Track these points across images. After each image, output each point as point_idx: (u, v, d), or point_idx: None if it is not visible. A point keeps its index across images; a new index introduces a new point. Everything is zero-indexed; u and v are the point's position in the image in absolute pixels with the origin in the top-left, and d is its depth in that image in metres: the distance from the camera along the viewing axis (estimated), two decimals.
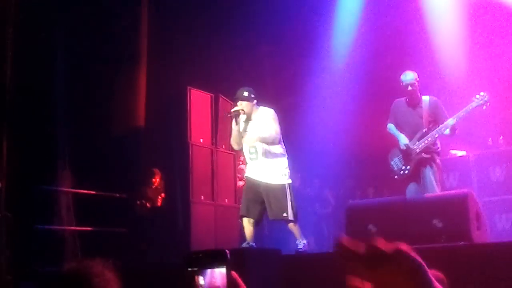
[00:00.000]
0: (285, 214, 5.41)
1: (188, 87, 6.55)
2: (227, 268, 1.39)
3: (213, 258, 1.40)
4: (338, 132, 8.28)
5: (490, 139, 7.70)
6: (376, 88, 8.34)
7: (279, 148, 5.57)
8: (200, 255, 1.40)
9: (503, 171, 7.12)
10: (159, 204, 7.33)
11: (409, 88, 5.72)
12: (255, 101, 5.62)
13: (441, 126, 5.61)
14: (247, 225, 5.51)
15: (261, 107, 5.67)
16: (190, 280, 1.35)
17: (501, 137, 7.64)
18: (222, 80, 7.22)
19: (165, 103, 6.60)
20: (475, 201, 5.02)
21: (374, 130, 7.80)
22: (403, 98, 5.88)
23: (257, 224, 5.61)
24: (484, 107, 5.64)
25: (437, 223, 4.76)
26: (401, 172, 5.74)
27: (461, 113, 5.59)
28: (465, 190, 5.33)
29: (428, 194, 5.49)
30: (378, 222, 5.05)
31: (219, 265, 1.39)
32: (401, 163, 5.76)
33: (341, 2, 8.62)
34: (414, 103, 5.79)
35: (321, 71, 8.60)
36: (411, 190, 5.71)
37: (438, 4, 8.38)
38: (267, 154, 5.50)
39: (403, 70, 5.98)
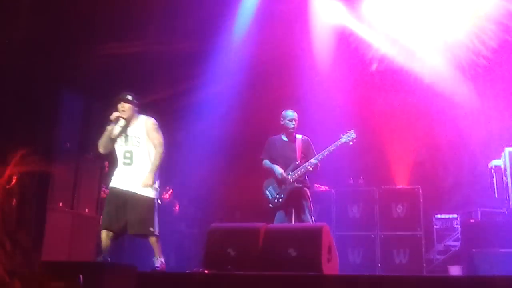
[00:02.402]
0: (151, 229, 5.46)
1: (62, 89, 6.47)
2: None
3: (70, 280, 1.41)
4: (211, 152, 8.54)
5: (352, 178, 8.42)
6: (248, 124, 8.74)
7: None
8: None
9: (359, 208, 7.88)
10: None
11: (293, 123, 6.28)
12: (136, 106, 5.69)
13: (307, 163, 6.15)
14: (105, 238, 5.47)
15: (141, 115, 5.74)
16: None
17: (361, 177, 8.39)
18: (98, 86, 7.11)
19: (36, 102, 6.34)
20: (329, 234, 5.38)
21: (245, 156, 8.18)
22: (278, 135, 6.43)
23: (116, 238, 5.58)
24: (351, 143, 6.26)
25: (292, 252, 5.07)
26: (275, 200, 6.18)
27: (325, 152, 6.16)
28: (320, 223, 5.70)
29: (286, 224, 5.94)
30: (237, 246, 5.27)
31: None
32: (276, 192, 6.19)
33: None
34: (289, 139, 6.36)
35: (206, 81, 8.74)
36: (280, 218, 6.13)
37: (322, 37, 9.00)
38: (142, 161, 5.55)
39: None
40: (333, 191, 8.10)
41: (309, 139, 6.37)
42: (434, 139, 8.89)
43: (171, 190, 8.86)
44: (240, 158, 8.71)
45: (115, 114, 5.57)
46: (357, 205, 7.88)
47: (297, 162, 6.19)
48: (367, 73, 8.79)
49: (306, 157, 6.25)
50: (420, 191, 7.74)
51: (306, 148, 6.28)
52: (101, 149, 5.67)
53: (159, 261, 5.52)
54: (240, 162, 8.56)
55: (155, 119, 5.76)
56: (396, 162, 8.78)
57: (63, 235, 6.32)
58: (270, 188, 6.24)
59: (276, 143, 6.38)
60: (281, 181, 6.17)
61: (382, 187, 8.00)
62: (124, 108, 5.60)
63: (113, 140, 5.61)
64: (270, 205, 6.20)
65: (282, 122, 6.37)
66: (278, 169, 6.20)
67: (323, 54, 8.97)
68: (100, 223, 5.76)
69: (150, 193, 5.54)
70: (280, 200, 6.15)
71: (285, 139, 6.37)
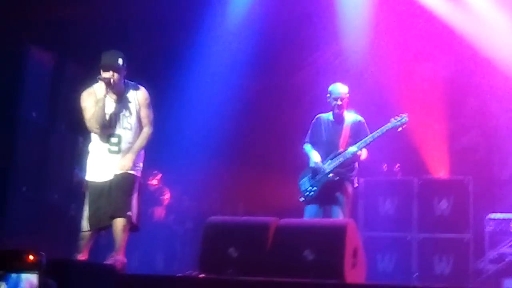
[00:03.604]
0: (129, 213, 5.35)
1: (27, 43, 6.44)
2: (39, 275, 1.46)
3: (23, 261, 1.46)
4: (212, 131, 8.58)
5: (385, 165, 8.47)
6: (266, 87, 8.91)
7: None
8: (7, 255, 1.46)
9: (394, 203, 7.92)
10: None
11: (338, 102, 6.34)
12: (125, 73, 5.47)
13: (346, 151, 6.28)
14: (87, 238, 5.46)
15: (130, 84, 5.57)
16: None
17: (398, 165, 8.43)
18: (73, 41, 7.19)
19: None
20: (355, 234, 5.39)
21: (253, 137, 8.39)
22: (326, 114, 6.51)
23: (98, 233, 5.60)
24: (400, 129, 6.34)
25: (308, 254, 5.10)
26: (306, 193, 6.37)
27: (368, 138, 6.26)
28: (344, 220, 5.76)
29: (302, 220, 6.01)
30: (241, 246, 5.25)
31: (29, 270, 1.45)
32: (309, 184, 6.38)
33: None
34: (336, 120, 6.44)
35: (205, 54, 8.90)
36: (310, 213, 6.32)
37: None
38: (131, 145, 5.46)
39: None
40: (361, 180, 7.90)
41: (362, 120, 6.47)
42: (489, 119, 8.89)
43: (160, 175, 8.89)
44: (247, 139, 8.78)
45: (105, 76, 5.31)
46: (391, 199, 7.92)
47: (339, 150, 6.31)
48: (407, 36, 8.80)
49: (355, 142, 6.34)
50: (471, 184, 7.75)
51: (356, 131, 6.38)
52: (96, 128, 5.41)
53: (114, 258, 5.30)
54: (247, 144, 8.66)
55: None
56: (441, 147, 8.77)
57: (29, 225, 6.37)
58: (305, 179, 6.42)
59: (322, 124, 6.49)
60: (314, 172, 6.33)
61: (423, 177, 8.05)
62: (114, 78, 5.35)
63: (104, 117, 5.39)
64: (301, 199, 6.41)
65: (328, 100, 6.45)
66: (314, 157, 6.35)
67: (351, 13, 8.97)
68: (82, 224, 5.56)
69: (133, 169, 5.48)
70: (312, 193, 6.32)
71: (332, 119, 6.47)
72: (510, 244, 8.02)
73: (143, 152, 5.61)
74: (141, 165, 5.58)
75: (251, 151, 8.84)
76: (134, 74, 5.62)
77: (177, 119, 8.77)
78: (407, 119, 6.31)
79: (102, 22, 7.75)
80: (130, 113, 5.51)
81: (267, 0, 8.83)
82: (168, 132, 8.28)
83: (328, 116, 6.50)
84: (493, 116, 8.89)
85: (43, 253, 1.40)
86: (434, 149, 8.79)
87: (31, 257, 1.41)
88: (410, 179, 8.01)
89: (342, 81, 6.55)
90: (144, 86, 5.64)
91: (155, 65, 8.61)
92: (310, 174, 6.39)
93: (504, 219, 8.14)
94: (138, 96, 5.55)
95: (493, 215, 8.19)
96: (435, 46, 8.90)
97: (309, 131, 6.56)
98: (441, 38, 8.79)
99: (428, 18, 8.76)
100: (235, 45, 8.99)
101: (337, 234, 5.20)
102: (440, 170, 8.59)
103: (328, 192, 6.29)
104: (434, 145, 8.83)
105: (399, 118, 6.32)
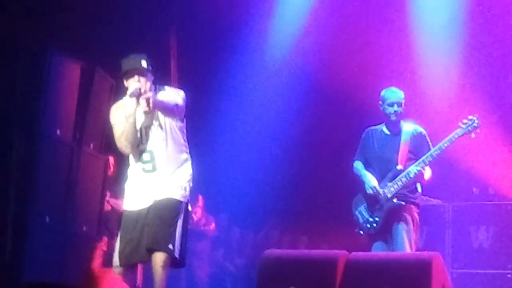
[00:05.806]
0: (170, 247, 5.09)
1: (50, 51, 6.29)
2: None
3: None
4: (268, 148, 8.60)
5: (476, 188, 8.29)
6: (325, 95, 8.98)
7: (184, 148, 5.35)
8: None
9: (490, 233, 7.66)
10: None
11: (395, 108, 6.12)
12: (152, 77, 5.31)
13: (409, 169, 6.08)
14: (121, 274, 5.26)
15: (160, 88, 5.37)
16: None
17: (491, 187, 8.26)
18: (103, 48, 7.15)
19: (11, 67, 6.20)
20: (443, 270, 5.23)
21: (319, 156, 8.57)
22: (378, 126, 6.35)
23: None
24: (473, 135, 6.08)
25: None
26: (368, 225, 6.14)
27: (435, 151, 6.03)
28: (431, 253, 5.40)
29: (376, 253, 5.86)
30: (304, 285, 5.15)
31: None
32: (368, 214, 6.17)
33: None
34: (392, 131, 6.26)
35: (250, 68, 9.03)
36: (379, 250, 6.07)
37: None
38: (169, 160, 5.25)
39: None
40: (448, 206, 7.97)
41: (424, 132, 6.29)
42: None
43: (203, 201, 8.79)
44: (311, 158, 8.74)
45: (135, 87, 5.12)
46: (486, 228, 7.69)
47: (398, 168, 6.11)
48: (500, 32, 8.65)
49: (417, 158, 6.18)
50: None
51: (417, 145, 6.19)
52: (127, 148, 5.26)
53: None
54: (311, 162, 8.62)
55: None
56: None
57: (52, 258, 6.28)
58: (362, 207, 6.26)
59: (374, 138, 6.33)
60: (373, 198, 6.14)
61: None
62: (142, 84, 5.17)
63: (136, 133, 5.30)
64: (361, 232, 6.24)
65: (381, 108, 6.28)
66: (370, 181, 6.15)
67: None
68: (114, 258, 5.47)
69: (176, 193, 5.25)
70: (375, 225, 6.14)
71: (387, 132, 6.28)
72: None
73: (190, 170, 5.39)
74: (187, 187, 5.32)
75: (316, 171, 8.73)
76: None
77: (226, 136, 8.79)
78: (478, 122, 6.10)
79: (138, 28, 7.81)
80: (161, 123, 5.30)
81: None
82: (214, 152, 8.43)
83: (381, 128, 6.33)
84: None
85: None
86: None
87: None
88: (509, 204, 7.81)
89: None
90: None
91: (204, 76, 8.75)
92: (368, 202, 6.22)
93: None
94: (170, 93, 5.36)
95: None
96: None
97: (359, 147, 6.43)
98: None
99: None
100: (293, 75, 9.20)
101: (421, 270, 5.01)
102: None
103: (392, 220, 6.10)
104: None
105: (469, 122, 6.11)
